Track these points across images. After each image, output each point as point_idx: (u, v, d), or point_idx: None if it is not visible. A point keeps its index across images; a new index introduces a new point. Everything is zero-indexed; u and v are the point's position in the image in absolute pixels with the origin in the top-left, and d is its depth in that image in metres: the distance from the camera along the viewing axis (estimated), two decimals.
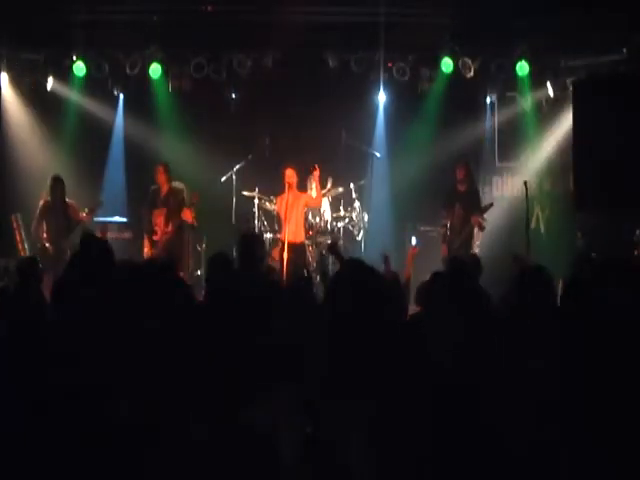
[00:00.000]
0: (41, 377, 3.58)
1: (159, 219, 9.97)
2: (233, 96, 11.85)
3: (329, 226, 10.85)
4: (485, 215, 10.19)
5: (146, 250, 9.91)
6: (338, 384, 3.25)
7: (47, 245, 9.74)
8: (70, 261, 4.33)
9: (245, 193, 10.83)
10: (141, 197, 10.51)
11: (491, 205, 10.43)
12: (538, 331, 3.62)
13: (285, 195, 10.02)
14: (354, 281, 3.47)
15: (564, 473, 3.26)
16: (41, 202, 9.91)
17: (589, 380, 3.36)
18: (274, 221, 10.84)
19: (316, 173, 10.19)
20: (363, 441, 3.15)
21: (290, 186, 9.97)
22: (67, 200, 9.93)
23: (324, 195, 10.62)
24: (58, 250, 9.51)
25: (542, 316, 3.72)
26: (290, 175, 10.01)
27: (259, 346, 3.85)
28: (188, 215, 9.79)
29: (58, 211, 9.81)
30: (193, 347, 3.70)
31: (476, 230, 10.24)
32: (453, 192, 10.30)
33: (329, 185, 10.83)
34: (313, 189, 10.35)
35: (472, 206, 10.20)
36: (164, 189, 10.06)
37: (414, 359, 3.44)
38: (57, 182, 9.93)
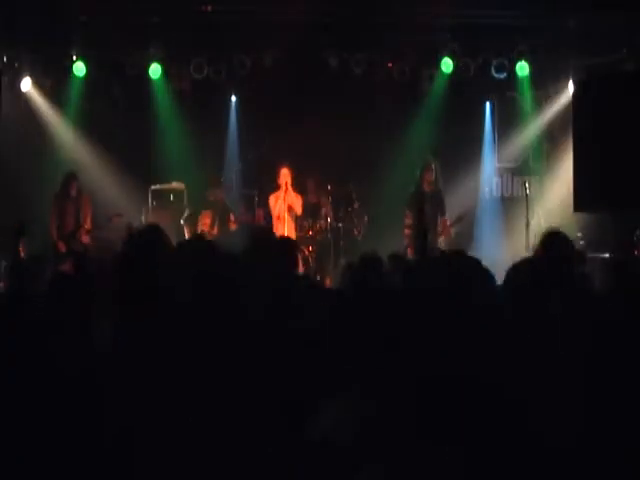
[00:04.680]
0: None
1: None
2: (233, 96, 11.86)
3: (329, 226, 10.84)
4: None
5: None
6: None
7: (58, 243, 9.83)
8: None
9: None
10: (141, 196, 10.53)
11: (466, 215, 10.29)
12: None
13: (280, 194, 9.99)
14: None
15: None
16: (53, 198, 10.01)
17: None
18: None
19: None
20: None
21: (285, 185, 9.96)
22: (84, 197, 10.03)
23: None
24: (68, 249, 9.56)
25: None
26: (285, 174, 10.01)
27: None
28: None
29: (70, 209, 9.89)
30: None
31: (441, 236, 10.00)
32: (421, 193, 10.09)
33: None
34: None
35: (438, 206, 10.08)
36: None
37: None
38: (70, 179, 9.96)
